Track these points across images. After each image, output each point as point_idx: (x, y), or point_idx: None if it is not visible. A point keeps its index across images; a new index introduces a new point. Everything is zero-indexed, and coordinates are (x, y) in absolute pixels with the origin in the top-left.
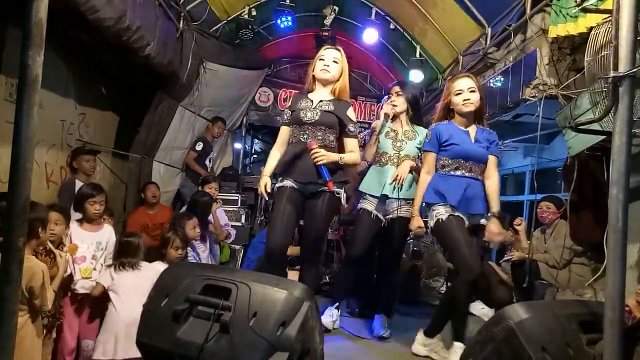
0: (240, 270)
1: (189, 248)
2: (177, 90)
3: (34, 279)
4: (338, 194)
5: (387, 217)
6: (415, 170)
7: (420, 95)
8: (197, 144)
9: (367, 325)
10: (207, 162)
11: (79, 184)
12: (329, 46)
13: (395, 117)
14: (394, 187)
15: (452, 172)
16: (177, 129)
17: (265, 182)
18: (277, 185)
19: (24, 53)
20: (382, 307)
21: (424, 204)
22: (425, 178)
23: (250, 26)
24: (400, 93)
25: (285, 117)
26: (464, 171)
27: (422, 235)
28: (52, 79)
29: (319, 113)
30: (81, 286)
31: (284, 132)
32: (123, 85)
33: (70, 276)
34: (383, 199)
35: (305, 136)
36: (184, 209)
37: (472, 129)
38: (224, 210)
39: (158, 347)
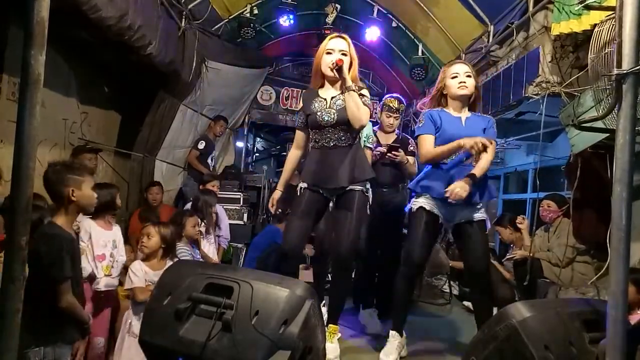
0: (242, 269)
1: (188, 247)
2: (179, 89)
3: None
4: (366, 192)
5: None
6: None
7: None
8: (200, 142)
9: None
10: (209, 160)
11: None
12: (334, 35)
13: None
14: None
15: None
16: (179, 127)
17: (274, 197)
18: (303, 186)
19: (26, 52)
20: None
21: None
22: (430, 152)
23: (252, 25)
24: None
25: (300, 120)
26: (454, 157)
27: None
28: (54, 78)
29: (336, 113)
30: (104, 284)
31: (299, 136)
32: (125, 84)
33: (91, 274)
34: None
35: (327, 140)
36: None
37: (464, 115)
38: (225, 208)
39: (161, 345)
